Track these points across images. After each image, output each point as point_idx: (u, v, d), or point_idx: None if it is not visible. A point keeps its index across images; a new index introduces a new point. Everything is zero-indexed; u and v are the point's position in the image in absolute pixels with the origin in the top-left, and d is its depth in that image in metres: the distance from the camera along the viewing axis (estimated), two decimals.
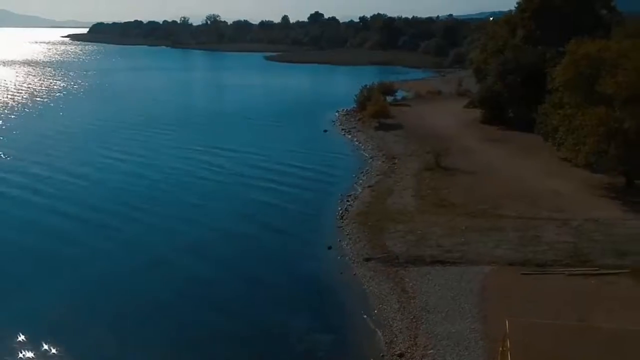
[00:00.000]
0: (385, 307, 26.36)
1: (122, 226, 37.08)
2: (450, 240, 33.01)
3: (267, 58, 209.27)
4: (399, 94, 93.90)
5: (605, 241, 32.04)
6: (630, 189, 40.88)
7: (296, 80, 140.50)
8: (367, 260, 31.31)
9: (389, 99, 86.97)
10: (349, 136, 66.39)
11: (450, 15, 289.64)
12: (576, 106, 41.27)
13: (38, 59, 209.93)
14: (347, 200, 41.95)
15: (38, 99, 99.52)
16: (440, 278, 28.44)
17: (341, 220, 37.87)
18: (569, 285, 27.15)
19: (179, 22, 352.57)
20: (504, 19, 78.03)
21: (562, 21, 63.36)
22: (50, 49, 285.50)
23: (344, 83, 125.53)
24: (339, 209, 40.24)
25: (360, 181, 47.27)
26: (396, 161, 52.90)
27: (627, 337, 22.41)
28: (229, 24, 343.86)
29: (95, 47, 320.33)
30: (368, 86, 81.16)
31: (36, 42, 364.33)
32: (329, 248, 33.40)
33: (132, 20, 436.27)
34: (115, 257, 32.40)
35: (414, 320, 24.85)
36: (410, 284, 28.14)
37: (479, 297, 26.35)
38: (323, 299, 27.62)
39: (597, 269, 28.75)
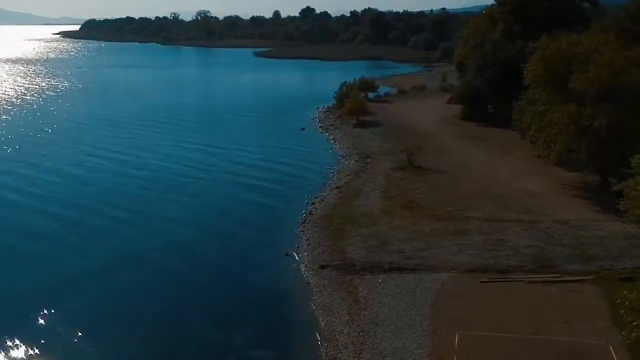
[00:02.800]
0: (334, 319, 24.98)
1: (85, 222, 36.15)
2: (411, 245, 31.63)
3: (256, 54, 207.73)
4: (382, 90, 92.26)
5: (572, 245, 30.73)
6: (604, 188, 39.51)
7: (282, 77, 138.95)
8: (323, 267, 29.92)
9: (371, 95, 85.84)
10: (326, 134, 64.95)
11: (444, 8, 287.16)
12: (548, 103, 39.90)
13: (27, 57, 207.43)
14: (313, 203, 40.55)
15: (22, 99, 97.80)
16: (395, 287, 27.06)
17: (303, 224, 36.46)
18: (528, 294, 25.82)
19: (170, 18, 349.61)
20: (486, 13, 76.71)
21: (543, 15, 61.98)
22: (39, 47, 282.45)
23: (330, 79, 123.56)
24: (303, 211, 38.82)
25: (330, 182, 45.86)
26: (369, 160, 51.53)
27: (581, 351, 21.19)
28: (220, 19, 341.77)
29: (84, 44, 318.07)
30: (347, 82, 79.44)
31: (28, 40, 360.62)
32: (286, 254, 32.00)
33: (124, 16, 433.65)
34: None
35: (361, 334, 23.48)
36: (364, 294, 26.77)
37: (432, 307, 24.99)
38: (271, 311, 26.26)
39: (559, 275, 27.43)
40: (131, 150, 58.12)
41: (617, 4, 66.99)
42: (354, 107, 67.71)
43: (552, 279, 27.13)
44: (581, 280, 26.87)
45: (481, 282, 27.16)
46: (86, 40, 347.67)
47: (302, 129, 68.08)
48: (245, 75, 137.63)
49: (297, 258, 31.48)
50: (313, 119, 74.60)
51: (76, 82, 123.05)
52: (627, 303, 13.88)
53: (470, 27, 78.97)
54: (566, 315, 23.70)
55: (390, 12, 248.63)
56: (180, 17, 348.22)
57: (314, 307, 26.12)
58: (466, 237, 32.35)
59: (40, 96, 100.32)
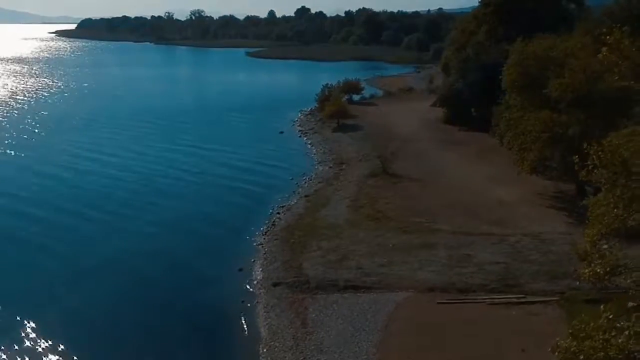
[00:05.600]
0: (278, 344, 23.29)
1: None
2: (372, 260, 29.97)
3: (248, 54, 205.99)
4: (368, 92, 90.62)
5: (540, 261, 29.09)
6: (580, 197, 37.78)
7: (270, 78, 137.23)
8: (276, 285, 28.24)
9: (356, 97, 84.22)
10: (304, 138, 63.23)
11: (440, 9, 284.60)
12: (523, 109, 38.27)
13: (19, 57, 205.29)
14: (278, 212, 38.86)
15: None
16: (346, 308, 25.38)
17: (264, 236, 34.78)
18: (486, 317, 24.16)
19: (164, 17, 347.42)
20: (472, 14, 74.88)
21: (527, 16, 60.25)
22: (34, 46, 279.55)
23: (318, 80, 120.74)
24: (266, 222, 37.13)
25: (300, 189, 44.16)
26: (344, 166, 49.86)
27: None
28: (215, 18, 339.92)
29: (78, 43, 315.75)
30: (329, 84, 77.65)
31: (23, 39, 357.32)
32: (240, 270, 30.30)
33: (120, 15, 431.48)
34: None
35: None
36: (313, 316, 25.09)
37: (382, 332, 23.33)
38: (212, 334, 24.53)
39: (523, 296, 25.78)
40: (108, 149, 57.46)
41: (604, 5, 65.38)
42: (334, 110, 65.99)
43: (514, 299, 25.51)
44: (545, 301, 25.25)
45: (438, 303, 25.51)
46: (81, 39, 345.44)
47: (281, 132, 66.34)
48: (234, 76, 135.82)
49: (250, 274, 29.81)
50: (294, 121, 72.82)
51: (63, 83, 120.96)
52: (556, 354, 12.24)
53: (457, 28, 77.31)
54: (524, 342, 22.05)
55: (385, 12, 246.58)
56: (175, 17, 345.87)
57: (258, 331, 24.45)
58: (431, 252, 30.72)
59: (29, 97, 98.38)
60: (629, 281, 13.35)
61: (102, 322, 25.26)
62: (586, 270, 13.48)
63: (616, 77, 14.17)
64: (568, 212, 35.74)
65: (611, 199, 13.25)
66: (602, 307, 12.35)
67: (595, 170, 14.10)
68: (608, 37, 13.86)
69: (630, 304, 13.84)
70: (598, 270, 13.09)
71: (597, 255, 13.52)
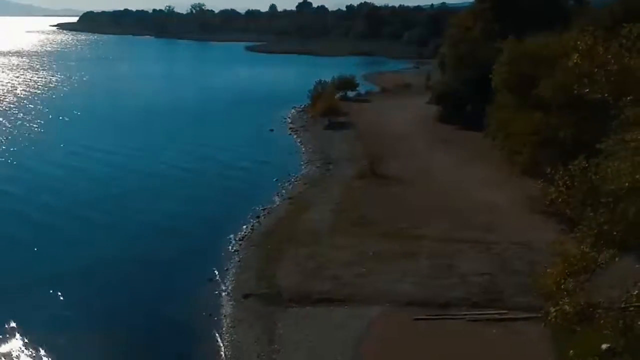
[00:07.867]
0: None
1: None
2: (350, 270, 28.45)
3: (247, 49, 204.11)
4: (364, 88, 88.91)
5: (527, 273, 27.38)
6: None
7: (268, 73, 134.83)
8: (246, 297, 26.75)
9: (351, 94, 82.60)
10: (295, 136, 61.66)
11: (444, 3, 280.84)
12: (514, 110, 36.62)
13: (18, 50, 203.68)
14: (258, 216, 37.33)
15: None
16: (318, 324, 23.89)
17: (240, 242, 33.26)
18: (465, 336, 22.65)
19: (165, 11, 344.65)
20: (469, 10, 73.10)
21: (524, 13, 58.42)
22: (34, 40, 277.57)
23: (315, 75, 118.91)
24: (245, 226, 35.59)
25: (284, 191, 42.62)
26: (331, 167, 48.33)
27: None
28: (215, 12, 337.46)
29: (77, 36, 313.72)
30: (322, 81, 76.01)
31: (26, 32, 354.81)
32: (210, 280, 28.77)
33: (122, 9, 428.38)
34: None
35: None
36: (282, 332, 23.60)
37: (353, 351, 21.85)
38: (170, 352, 23.01)
39: (505, 312, 24.24)
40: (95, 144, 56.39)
41: (604, 3, 63.44)
42: (324, 107, 64.38)
43: (496, 316, 23.96)
44: (529, 318, 23.65)
45: (415, 319, 23.96)
46: (81, 33, 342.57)
47: (271, 130, 64.68)
48: (231, 72, 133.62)
49: (220, 284, 28.29)
50: (286, 119, 71.13)
51: (66, 79, 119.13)
52: None
53: (454, 24, 75.39)
54: None
55: (387, 7, 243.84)
56: (175, 10, 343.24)
57: (221, 349, 22.94)
58: (413, 261, 29.22)
59: (34, 91, 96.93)
60: (602, 322, 11.76)
61: (54, 336, 23.73)
62: (553, 310, 11.93)
63: (587, 90, 12.44)
64: (560, 219, 34.00)
65: (577, 234, 11.74)
66: (570, 352, 10.81)
67: (560, 200, 12.58)
68: (579, 42, 12.21)
69: (604, 345, 12.27)
70: (567, 309, 11.54)
71: (565, 293, 11.96)
